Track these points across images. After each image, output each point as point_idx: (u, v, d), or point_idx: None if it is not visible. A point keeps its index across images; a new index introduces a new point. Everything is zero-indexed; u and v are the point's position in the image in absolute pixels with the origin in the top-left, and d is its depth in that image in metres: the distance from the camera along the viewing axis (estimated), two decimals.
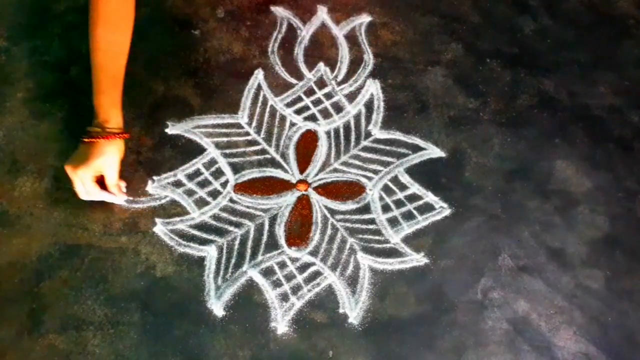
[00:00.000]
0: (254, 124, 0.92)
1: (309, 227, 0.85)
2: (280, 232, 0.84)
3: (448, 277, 0.83)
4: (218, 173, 0.88)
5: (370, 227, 0.86)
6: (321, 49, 1.00)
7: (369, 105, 0.95)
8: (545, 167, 0.93)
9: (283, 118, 0.93)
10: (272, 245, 0.83)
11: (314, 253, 0.83)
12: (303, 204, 0.87)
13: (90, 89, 0.79)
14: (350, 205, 0.87)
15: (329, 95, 0.96)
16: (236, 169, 0.88)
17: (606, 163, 0.94)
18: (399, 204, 0.88)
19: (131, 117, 0.89)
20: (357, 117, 0.94)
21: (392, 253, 0.84)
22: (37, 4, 0.98)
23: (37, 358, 0.73)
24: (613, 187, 0.92)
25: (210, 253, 0.82)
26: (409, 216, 0.87)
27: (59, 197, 0.83)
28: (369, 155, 0.91)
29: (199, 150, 0.89)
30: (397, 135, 0.93)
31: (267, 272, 0.81)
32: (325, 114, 0.94)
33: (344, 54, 1.00)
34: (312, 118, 0.94)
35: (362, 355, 0.77)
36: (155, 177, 0.86)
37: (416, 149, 0.92)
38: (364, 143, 0.92)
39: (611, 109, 0.99)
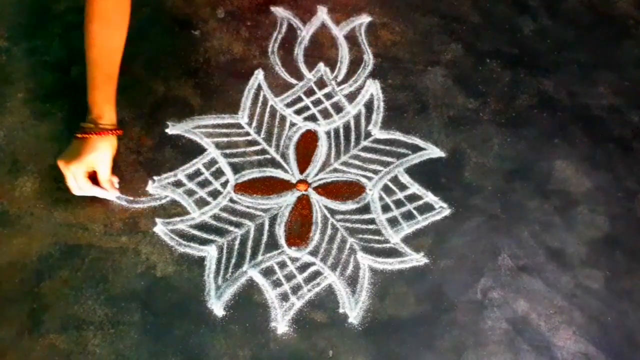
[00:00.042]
0: (254, 124, 0.92)
1: (309, 227, 0.85)
2: (280, 232, 0.84)
3: (448, 277, 0.83)
4: (218, 173, 0.88)
5: (370, 227, 0.86)
6: (321, 49, 1.00)
7: (369, 106, 0.95)
8: (545, 167, 0.93)
9: (283, 118, 0.93)
10: (272, 245, 0.83)
11: (314, 253, 0.83)
12: (303, 204, 0.87)
13: None
14: (350, 205, 0.87)
15: (329, 96, 0.96)
16: (236, 169, 0.88)
17: (606, 163, 0.94)
18: (398, 204, 0.88)
19: (131, 117, 0.89)
20: (357, 117, 0.94)
21: (392, 253, 0.84)
22: (37, 4, 0.98)
23: (37, 358, 0.73)
24: (613, 187, 0.93)
25: (210, 253, 0.82)
26: (408, 216, 0.87)
27: (59, 197, 0.83)
28: (369, 156, 0.91)
29: (199, 150, 0.89)
30: (397, 136, 0.93)
31: (267, 272, 0.81)
32: (325, 114, 0.94)
33: (344, 54, 1.00)
34: (312, 118, 0.94)
35: (362, 355, 0.77)
36: (155, 177, 0.86)
37: (416, 149, 0.92)
38: (364, 143, 0.92)
39: (611, 109, 0.99)
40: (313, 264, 0.82)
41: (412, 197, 0.88)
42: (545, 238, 0.87)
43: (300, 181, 0.88)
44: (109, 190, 0.81)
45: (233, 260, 0.82)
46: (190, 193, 0.85)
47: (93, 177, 0.80)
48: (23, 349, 0.74)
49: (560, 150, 0.95)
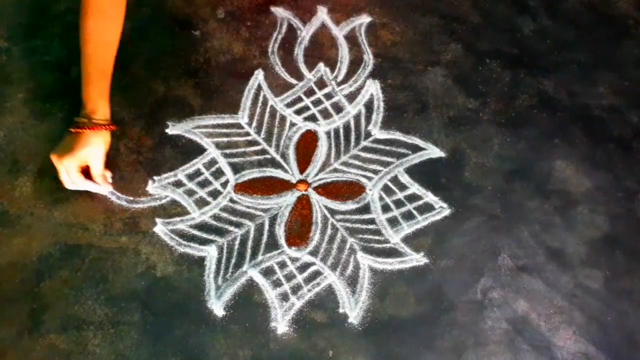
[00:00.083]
0: (254, 124, 0.92)
1: (309, 227, 0.85)
2: (280, 232, 0.84)
3: (448, 277, 0.83)
4: (218, 173, 0.88)
5: (370, 227, 0.86)
6: (321, 49, 1.00)
7: (369, 106, 0.95)
8: (545, 167, 0.93)
9: (283, 118, 0.93)
10: (272, 245, 0.83)
11: (314, 253, 0.83)
12: (303, 204, 0.87)
13: None
14: (350, 205, 0.87)
15: (329, 96, 0.96)
16: (236, 169, 0.88)
17: (606, 163, 0.94)
18: (398, 204, 0.88)
19: (131, 117, 0.90)
20: (357, 118, 0.94)
21: (392, 253, 0.84)
22: (37, 4, 0.98)
23: (37, 358, 0.73)
24: (613, 187, 0.93)
25: (210, 253, 0.82)
26: (408, 216, 0.87)
27: (60, 197, 0.83)
28: (369, 156, 0.91)
29: (199, 150, 0.89)
30: (397, 136, 0.93)
31: (267, 272, 0.81)
32: (325, 114, 0.94)
33: (344, 54, 1.00)
34: (312, 118, 0.94)
35: (362, 355, 0.77)
36: (155, 177, 0.86)
37: (416, 149, 0.92)
38: (364, 143, 0.92)
39: (611, 109, 0.99)
40: (313, 264, 0.82)
41: (412, 197, 0.88)
42: (545, 238, 0.87)
43: (300, 181, 0.88)
44: (102, 185, 0.82)
45: (233, 260, 0.82)
46: (190, 193, 0.86)
47: (87, 172, 0.80)
48: (23, 349, 0.74)
49: (560, 150, 0.95)
